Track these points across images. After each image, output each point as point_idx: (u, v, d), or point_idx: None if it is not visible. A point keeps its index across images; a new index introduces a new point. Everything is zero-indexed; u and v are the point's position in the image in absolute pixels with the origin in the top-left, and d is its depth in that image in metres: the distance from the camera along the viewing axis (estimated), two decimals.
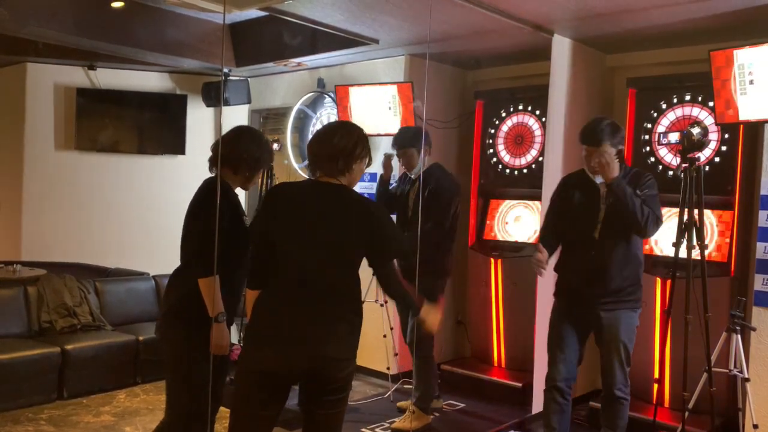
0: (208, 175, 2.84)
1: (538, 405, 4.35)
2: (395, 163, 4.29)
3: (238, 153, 2.76)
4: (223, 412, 2.83)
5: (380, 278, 2.47)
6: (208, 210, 2.60)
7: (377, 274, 2.46)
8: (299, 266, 2.34)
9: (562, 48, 4.33)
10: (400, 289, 2.50)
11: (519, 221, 5.03)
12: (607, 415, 3.43)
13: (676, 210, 3.52)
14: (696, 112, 4.17)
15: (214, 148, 2.81)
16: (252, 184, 2.90)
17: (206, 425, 2.67)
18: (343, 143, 2.40)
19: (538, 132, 4.94)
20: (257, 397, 2.31)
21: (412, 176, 4.18)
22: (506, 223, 5.10)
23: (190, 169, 5.31)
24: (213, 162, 2.80)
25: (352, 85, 5.20)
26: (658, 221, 3.26)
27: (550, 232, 3.54)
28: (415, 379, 4.17)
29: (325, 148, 2.42)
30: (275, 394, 2.34)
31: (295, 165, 5.83)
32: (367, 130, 5.02)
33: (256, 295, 2.41)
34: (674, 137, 3.42)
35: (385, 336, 4.84)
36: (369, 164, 2.54)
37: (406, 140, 4.11)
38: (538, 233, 3.81)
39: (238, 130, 2.87)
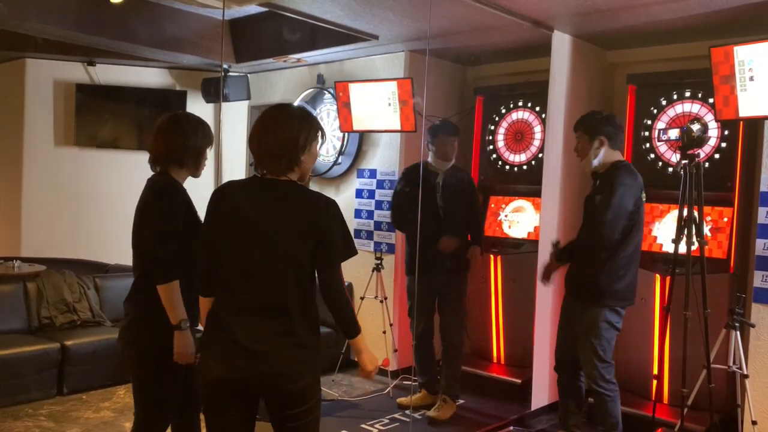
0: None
1: (537, 401, 4.36)
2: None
3: (178, 145, 2.60)
4: None
5: (322, 285, 2.20)
6: (159, 211, 2.52)
7: (320, 280, 2.21)
8: (243, 273, 2.15)
9: (562, 44, 4.32)
10: (342, 303, 2.22)
11: (519, 218, 5.03)
12: (596, 410, 3.54)
13: (676, 206, 3.54)
14: (696, 108, 4.17)
15: (150, 146, 2.65)
16: (201, 171, 2.72)
17: None
18: (285, 136, 2.16)
19: (537, 128, 4.93)
20: (219, 406, 2.18)
21: (441, 169, 4.28)
22: (506, 219, 5.10)
23: None
24: (155, 161, 2.63)
25: (351, 82, 5.18)
26: (600, 227, 3.28)
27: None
28: (444, 367, 4.31)
29: (267, 143, 2.17)
30: (236, 404, 2.17)
31: None
32: (367, 126, 5.16)
33: (209, 302, 2.25)
34: (674, 134, 3.45)
35: (384, 332, 4.85)
36: (323, 142, 2.26)
37: (449, 130, 4.30)
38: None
39: (168, 121, 2.66)
